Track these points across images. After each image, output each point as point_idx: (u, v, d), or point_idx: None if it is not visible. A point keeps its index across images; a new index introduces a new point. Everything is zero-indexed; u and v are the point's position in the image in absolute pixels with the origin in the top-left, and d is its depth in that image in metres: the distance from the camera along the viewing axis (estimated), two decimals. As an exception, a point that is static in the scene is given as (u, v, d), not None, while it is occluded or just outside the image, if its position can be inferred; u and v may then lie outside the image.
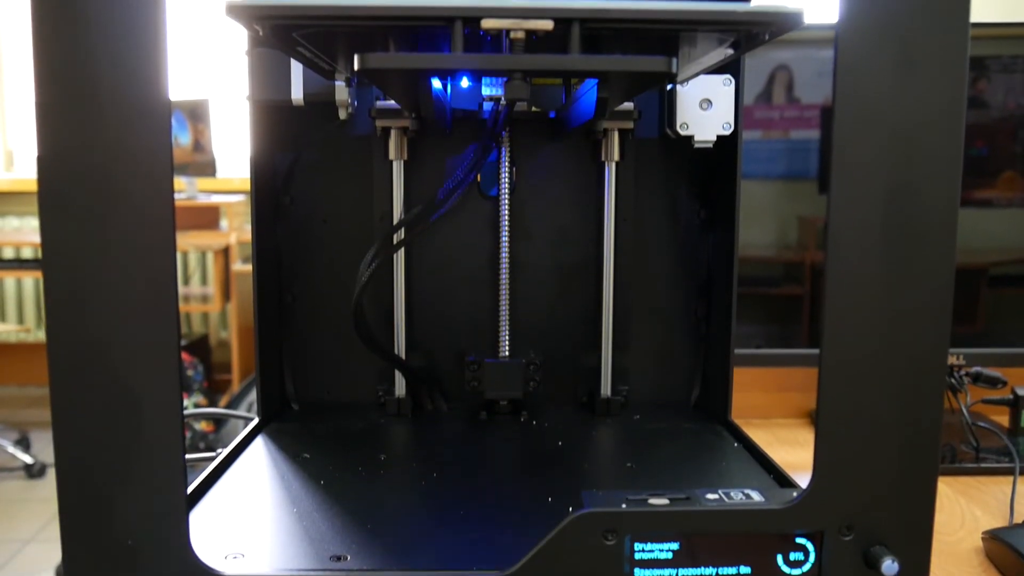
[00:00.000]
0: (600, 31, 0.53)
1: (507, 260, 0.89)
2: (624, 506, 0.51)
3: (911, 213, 0.49)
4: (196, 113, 3.51)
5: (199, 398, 3.33)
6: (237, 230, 3.60)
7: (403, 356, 0.90)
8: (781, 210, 1.13)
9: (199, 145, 3.51)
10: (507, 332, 0.90)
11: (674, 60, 0.50)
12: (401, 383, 0.91)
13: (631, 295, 0.92)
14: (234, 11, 0.50)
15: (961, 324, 1.17)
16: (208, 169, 3.58)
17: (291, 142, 0.89)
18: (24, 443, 3.18)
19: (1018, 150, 1.13)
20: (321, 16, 0.50)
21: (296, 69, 0.80)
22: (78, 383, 0.47)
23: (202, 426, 3.00)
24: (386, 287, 0.90)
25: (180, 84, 3.63)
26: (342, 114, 0.83)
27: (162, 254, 0.47)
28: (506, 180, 0.89)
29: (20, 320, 4.08)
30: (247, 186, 0.85)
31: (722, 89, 0.83)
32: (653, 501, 0.52)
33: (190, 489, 0.64)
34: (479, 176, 0.90)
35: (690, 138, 0.84)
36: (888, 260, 0.49)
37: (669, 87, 0.85)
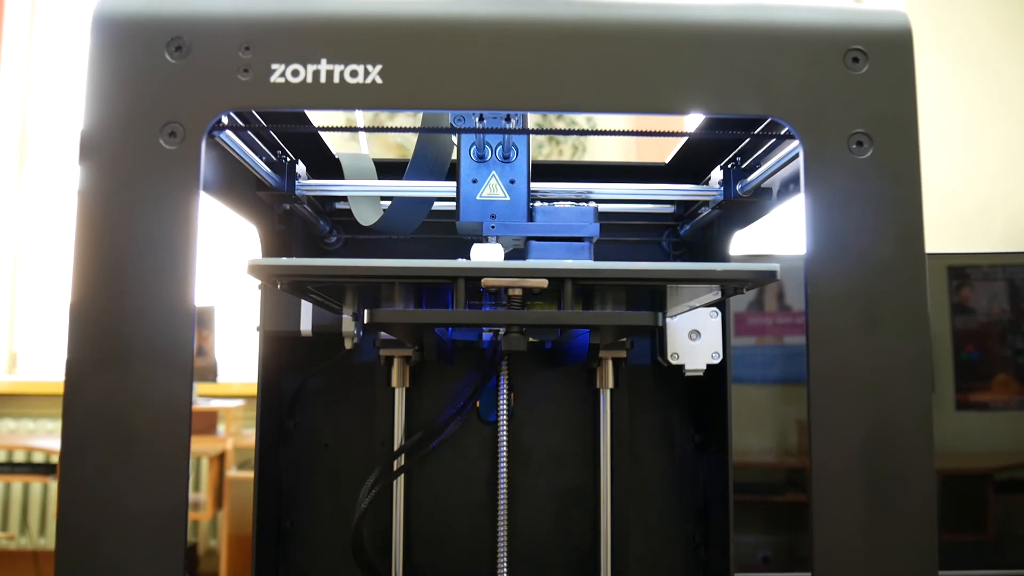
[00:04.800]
0: (592, 286, 0.57)
1: (505, 485, 0.90)
2: None
3: (889, 456, 0.52)
4: (201, 319, 3.58)
5: (183, 613, 3.18)
6: (234, 435, 3.56)
7: (400, 584, 0.89)
8: (780, 415, 1.15)
9: (202, 350, 3.56)
10: (505, 558, 0.89)
11: (660, 315, 0.54)
12: (397, 612, 0.89)
13: (628, 519, 0.93)
14: (256, 270, 0.55)
15: (971, 532, 1.16)
16: (209, 374, 3.61)
17: (298, 368, 0.93)
18: (-6, 663, 3.00)
19: (1008, 353, 1.16)
20: (337, 276, 0.55)
21: (306, 304, 0.85)
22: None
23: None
24: (385, 512, 0.90)
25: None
26: (348, 344, 0.87)
27: (175, 483, 0.49)
28: (504, 406, 0.91)
29: (4, 527, 3.96)
30: (247, 391, 0.88)
31: (710, 321, 0.87)
32: None
33: None
34: (478, 402, 0.93)
35: (681, 367, 0.87)
36: (870, 502, 0.52)
37: (659, 319, 0.89)
